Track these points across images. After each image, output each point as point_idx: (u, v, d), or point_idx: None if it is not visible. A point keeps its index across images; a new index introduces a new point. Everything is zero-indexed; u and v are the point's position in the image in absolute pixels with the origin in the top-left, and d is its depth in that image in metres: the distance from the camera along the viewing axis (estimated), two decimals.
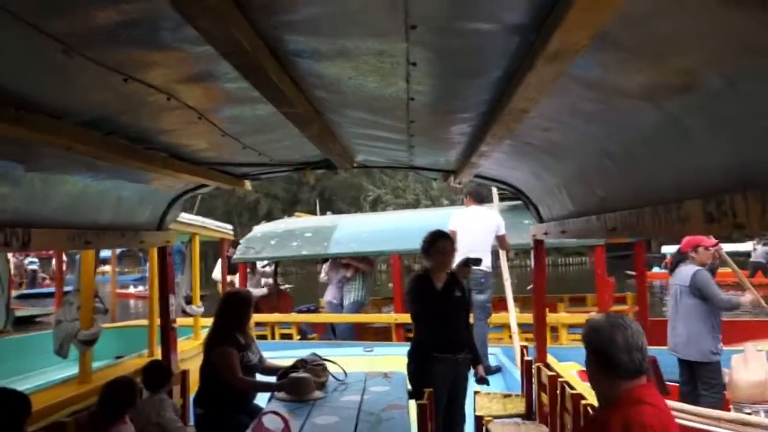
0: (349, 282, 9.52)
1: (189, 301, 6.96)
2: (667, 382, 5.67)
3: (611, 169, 2.55)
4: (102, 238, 3.72)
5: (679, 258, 5.61)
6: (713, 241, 5.55)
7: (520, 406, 4.71)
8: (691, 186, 1.94)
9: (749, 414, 4.77)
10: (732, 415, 4.30)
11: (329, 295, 9.68)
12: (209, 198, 42.57)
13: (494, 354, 6.94)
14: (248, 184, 4.80)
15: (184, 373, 4.55)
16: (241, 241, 10.41)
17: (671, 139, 1.94)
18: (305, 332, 9.99)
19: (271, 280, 11.24)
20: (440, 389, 3.88)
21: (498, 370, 6.60)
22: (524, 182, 4.11)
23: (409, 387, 4.08)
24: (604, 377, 2.21)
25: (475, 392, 4.78)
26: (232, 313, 4.20)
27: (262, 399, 4.28)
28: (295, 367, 4.20)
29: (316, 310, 10.68)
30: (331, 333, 9.60)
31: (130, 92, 2.15)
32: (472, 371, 4.32)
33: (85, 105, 2.30)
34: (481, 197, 6.94)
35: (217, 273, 10.90)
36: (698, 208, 1.85)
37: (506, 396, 4.93)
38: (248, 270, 10.52)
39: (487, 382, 4.35)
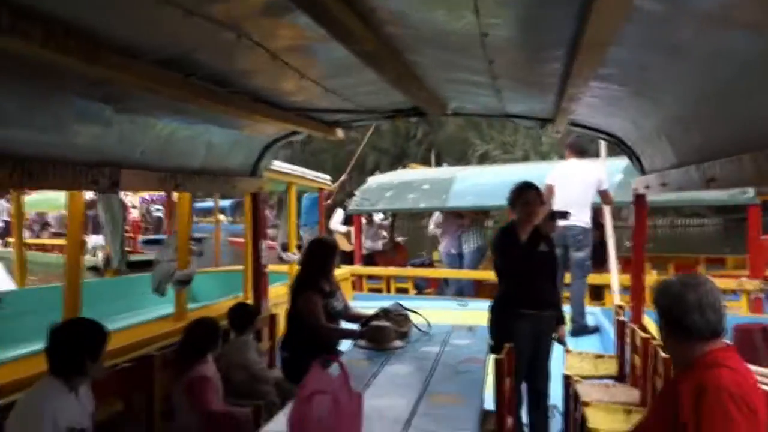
0: (467, 231, 9.15)
1: (285, 248, 7.14)
2: None
3: (710, 111, 2.29)
4: (192, 181, 3.83)
5: None
6: None
7: (612, 368, 4.50)
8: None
9: None
10: None
11: (446, 246, 9.33)
12: (319, 152, 43.69)
13: (593, 314, 6.66)
14: (340, 132, 4.79)
15: (273, 317, 4.67)
16: (356, 192, 10.35)
17: None
18: (420, 286, 9.83)
19: (386, 233, 11.13)
20: (522, 346, 3.74)
21: (596, 330, 6.34)
22: (623, 131, 3.82)
23: (491, 342, 3.97)
24: (676, 340, 2.03)
25: (567, 351, 4.60)
26: (316, 261, 4.24)
27: (346, 346, 4.32)
28: (377, 316, 4.20)
29: (430, 264, 10.46)
30: (445, 287, 9.39)
31: (196, 28, 2.14)
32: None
33: (154, 42, 2.31)
34: (581, 150, 6.55)
35: (335, 223, 10.93)
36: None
37: (598, 357, 4.72)
38: (365, 221, 10.41)
39: (565, 345, 4.18)
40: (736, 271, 8.76)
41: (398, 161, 42.56)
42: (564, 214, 4.30)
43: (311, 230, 11.43)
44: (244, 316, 4.08)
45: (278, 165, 6.87)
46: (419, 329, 4.28)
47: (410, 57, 2.75)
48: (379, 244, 10.59)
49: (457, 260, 9.16)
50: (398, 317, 4.21)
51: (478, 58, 2.59)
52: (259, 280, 4.76)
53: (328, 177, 9.01)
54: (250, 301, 4.97)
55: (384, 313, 4.23)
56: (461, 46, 2.45)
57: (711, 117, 2.31)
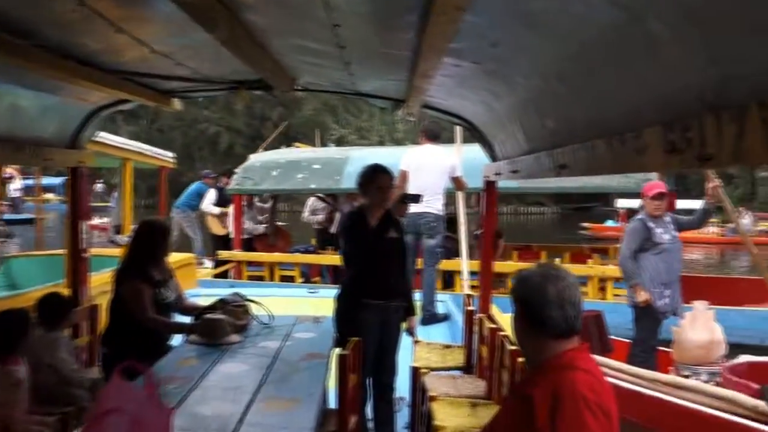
0: None
1: (118, 230, 6.51)
2: (618, 338, 5.46)
3: (562, 94, 2.15)
4: None
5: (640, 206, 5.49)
6: (657, 189, 5.30)
7: (459, 358, 4.42)
8: (652, 111, 1.55)
9: (688, 376, 4.56)
10: (667, 377, 4.05)
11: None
12: (167, 130, 41.50)
13: (443, 301, 6.65)
14: (177, 103, 4.32)
15: (94, 308, 4.14)
16: (237, 171, 9.50)
17: (631, 51, 1.54)
18: (307, 275, 9.22)
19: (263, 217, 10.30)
20: (368, 337, 3.54)
21: (445, 318, 6.32)
22: (476, 115, 3.70)
23: (336, 334, 3.73)
24: (532, 335, 1.88)
25: (415, 341, 4.47)
26: (145, 245, 3.78)
27: (178, 341, 3.91)
28: (213, 308, 3.82)
29: (314, 252, 9.65)
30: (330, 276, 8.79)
31: None
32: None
33: None
34: (434, 135, 6.48)
35: (207, 204, 10.15)
36: (658, 136, 1.47)
37: (447, 347, 4.64)
38: (244, 203, 9.59)
39: (414, 336, 4.05)
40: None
41: (252, 142, 41.54)
42: (416, 198, 4.14)
43: (183, 213, 10.69)
44: (55, 309, 3.54)
45: (111, 138, 6.23)
46: (259, 321, 3.96)
47: (246, 15, 2.40)
48: (259, 228, 9.80)
49: None
50: (236, 308, 3.86)
51: (321, 22, 2.29)
52: (78, 266, 4.19)
53: (170, 154, 8.35)
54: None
55: (221, 304, 3.86)
56: (301, 5, 2.15)
57: (564, 99, 2.18)
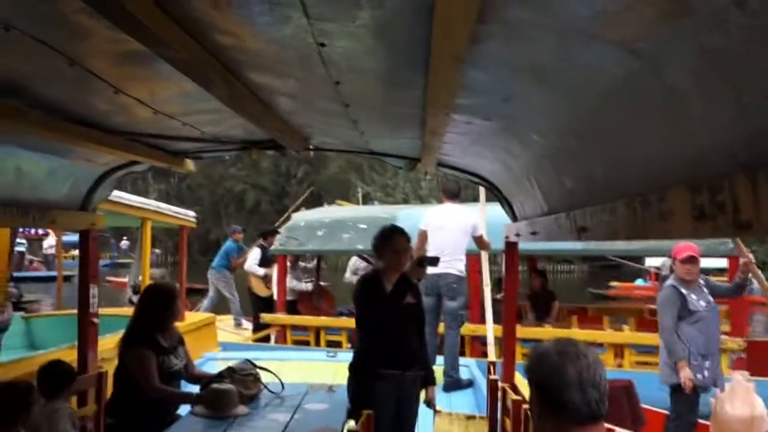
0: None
1: (137, 290, 6.41)
2: (652, 408, 5.11)
3: (579, 151, 1.99)
4: None
5: (670, 268, 5.13)
6: (689, 251, 4.98)
7: (483, 431, 4.15)
8: (676, 172, 1.38)
9: None
10: None
11: None
12: (195, 188, 42.12)
13: (467, 366, 6.36)
14: (190, 164, 4.26)
15: (101, 376, 3.98)
16: (281, 231, 9.34)
17: (650, 104, 1.39)
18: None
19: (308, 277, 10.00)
20: (383, 410, 3.32)
21: (470, 384, 6.02)
22: (493, 173, 3.55)
23: (349, 406, 3.52)
24: (551, 421, 1.66)
25: (436, 412, 4.22)
26: (151, 310, 3.65)
27: (186, 411, 3.72)
28: (222, 377, 3.65)
29: None
30: None
31: None
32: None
33: None
34: (453, 193, 6.32)
35: (251, 263, 9.79)
36: (684, 200, 1.29)
37: (470, 417, 4.39)
38: (289, 264, 9.27)
39: (434, 408, 3.81)
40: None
41: (278, 200, 41.89)
42: (434, 260, 3.96)
43: (219, 273, 10.55)
44: (55, 379, 3.39)
45: (129, 198, 6.20)
46: (270, 390, 3.76)
47: (244, 73, 2.31)
48: (303, 286, 9.49)
49: None
50: (246, 377, 3.68)
51: (322, 79, 2.19)
52: (87, 331, 4.06)
53: (191, 213, 8.30)
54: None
55: (229, 373, 3.69)
56: (298, 60, 2.04)
57: (581, 157, 2.02)
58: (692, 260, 4.91)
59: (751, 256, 5.05)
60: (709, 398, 4.80)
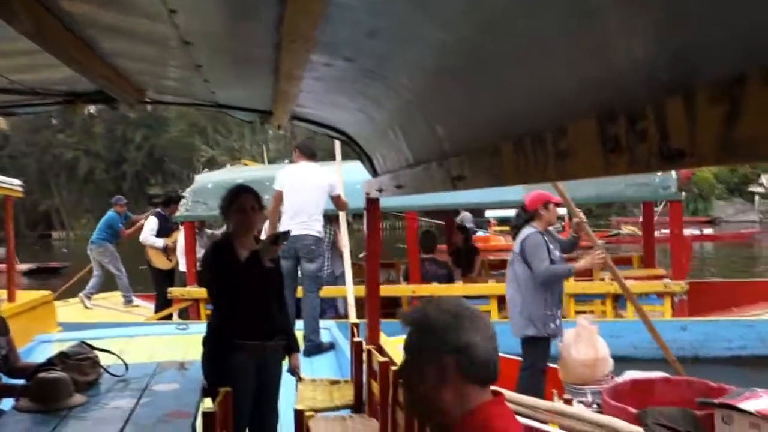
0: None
1: None
2: (505, 355, 5.24)
3: (456, 91, 1.80)
4: None
5: (525, 218, 5.06)
6: (556, 198, 5.12)
7: (348, 395, 4.01)
8: (579, 103, 1.21)
9: (570, 400, 4.40)
10: (547, 404, 3.86)
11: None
12: (19, 156, 38.44)
13: (327, 329, 6.20)
14: (1, 121, 3.65)
15: None
16: (184, 194, 8.49)
17: (550, 19, 1.21)
18: None
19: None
20: (243, 384, 3.05)
21: (331, 347, 5.87)
22: (353, 126, 3.32)
23: (205, 383, 3.20)
24: (439, 386, 1.47)
25: (299, 379, 4.00)
26: None
27: (9, 406, 3.22)
28: (51, 364, 3.18)
29: None
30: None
31: None
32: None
33: None
34: (310, 151, 6.08)
35: (147, 234, 8.83)
36: (590, 133, 1.13)
37: (334, 383, 4.21)
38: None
39: (298, 376, 3.60)
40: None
41: (115, 167, 39.24)
42: (285, 235, 3.65)
43: (100, 248, 9.47)
44: None
45: None
46: (111, 374, 3.35)
47: (58, 3, 1.88)
48: None
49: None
50: (82, 362, 3.24)
51: (155, 10, 1.82)
52: None
53: (17, 181, 7.36)
54: None
55: (61, 359, 3.22)
56: None
57: (458, 98, 1.83)
58: (557, 206, 5.04)
59: (582, 215, 5.28)
60: (557, 343, 5.01)
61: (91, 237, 9.81)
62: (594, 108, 1.12)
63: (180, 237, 8.44)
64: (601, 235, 17.32)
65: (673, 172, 7.64)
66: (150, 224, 9.00)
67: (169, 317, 8.06)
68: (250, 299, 3.20)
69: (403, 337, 1.55)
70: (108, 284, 9.91)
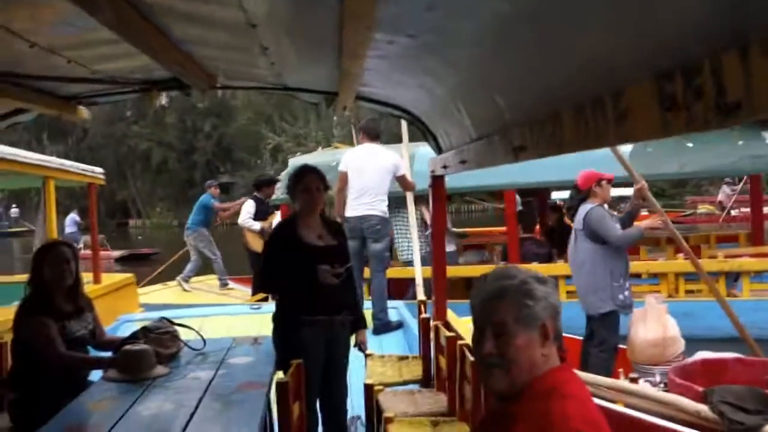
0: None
1: None
2: (569, 335, 5.19)
3: (514, 60, 1.82)
4: None
5: (580, 197, 5.07)
6: (611, 174, 5.08)
7: (417, 371, 4.07)
8: (636, 63, 1.22)
9: (636, 378, 4.31)
10: (609, 380, 3.79)
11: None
12: (96, 148, 40.04)
13: (396, 308, 6.29)
14: (84, 111, 3.86)
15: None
16: (280, 178, 8.65)
17: None
18: None
19: None
20: (312, 358, 3.16)
21: (399, 326, 5.95)
22: (417, 104, 3.36)
23: (277, 357, 3.33)
24: (547, 347, 1.52)
25: (368, 355, 4.11)
26: (43, 273, 3.30)
27: (98, 377, 3.43)
28: (135, 338, 3.37)
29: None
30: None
31: None
32: None
33: None
34: (374, 132, 6.12)
35: (245, 217, 8.65)
36: (648, 93, 1.14)
37: (402, 359, 4.28)
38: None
39: (365, 351, 3.69)
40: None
41: (186, 156, 40.27)
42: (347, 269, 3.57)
43: (195, 233, 9.65)
44: None
45: (28, 156, 5.68)
46: (190, 347, 3.52)
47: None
48: None
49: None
50: (161, 336, 3.41)
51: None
52: None
53: (99, 169, 7.74)
54: None
55: (144, 333, 3.41)
56: None
57: (517, 67, 1.85)
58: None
59: (643, 181, 5.09)
60: (628, 320, 4.94)
61: (187, 223, 9.97)
62: (650, 68, 1.13)
63: (276, 220, 8.46)
64: (674, 215, 16.75)
65: None
66: (247, 207, 8.90)
67: (265, 299, 8.26)
68: (315, 275, 3.29)
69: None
70: (204, 269, 10.05)
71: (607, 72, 1.33)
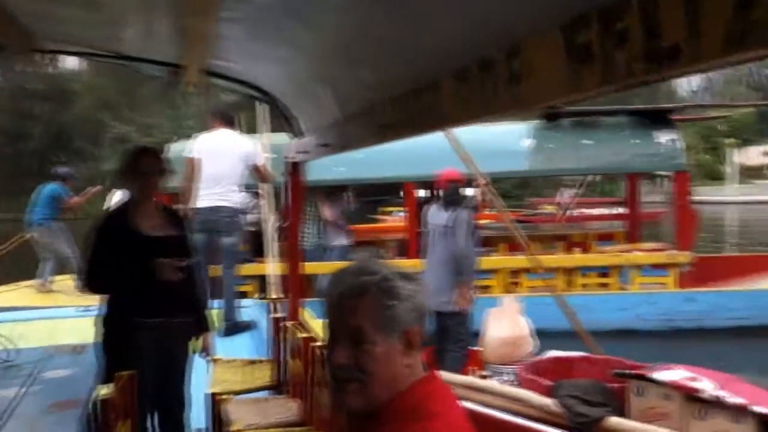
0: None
1: None
2: None
3: (384, 26, 1.57)
4: None
5: (449, 194, 5.18)
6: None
7: (267, 376, 3.75)
8: (539, 14, 1.01)
9: (485, 376, 4.34)
10: (460, 377, 3.76)
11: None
12: None
13: (247, 307, 5.91)
14: None
15: None
16: None
17: None
18: None
19: None
20: (145, 366, 2.74)
21: (249, 326, 5.57)
22: (275, 80, 3.04)
23: (102, 367, 2.87)
24: (412, 356, 1.27)
25: (214, 360, 3.73)
26: None
27: None
28: None
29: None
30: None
31: None
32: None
33: None
34: (228, 117, 5.72)
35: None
36: (555, 43, 0.93)
37: (252, 363, 3.95)
38: None
39: (209, 356, 3.34)
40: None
41: (15, 142, 36.65)
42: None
43: (43, 228, 8.36)
44: None
45: None
46: None
47: None
48: None
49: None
50: None
51: None
52: None
53: None
54: None
55: None
56: None
57: (390, 35, 1.60)
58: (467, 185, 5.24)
59: (486, 178, 5.35)
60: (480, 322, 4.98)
61: (29, 217, 8.66)
62: (556, 17, 0.92)
63: None
64: (518, 214, 17.59)
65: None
66: (117, 197, 7.92)
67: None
68: (152, 272, 2.87)
69: None
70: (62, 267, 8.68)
71: (501, 28, 1.11)
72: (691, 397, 2.90)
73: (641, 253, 8.07)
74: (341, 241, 7.65)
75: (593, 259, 8.14)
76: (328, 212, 7.49)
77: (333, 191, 7.65)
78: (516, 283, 7.86)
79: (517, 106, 1.07)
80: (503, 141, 7.86)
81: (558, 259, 8.25)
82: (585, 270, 7.97)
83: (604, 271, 8.00)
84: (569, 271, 7.96)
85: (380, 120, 1.79)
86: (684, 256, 7.60)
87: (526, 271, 7.75)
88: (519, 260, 7.57)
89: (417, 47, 1.51)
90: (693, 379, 2.97)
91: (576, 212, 20.28)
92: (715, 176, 38.75)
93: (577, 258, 8.13)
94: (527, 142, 8.08)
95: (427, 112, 1.47)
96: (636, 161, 8.09)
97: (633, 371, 3.34)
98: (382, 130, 1.77)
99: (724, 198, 37.29)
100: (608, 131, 8.08)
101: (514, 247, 9.07)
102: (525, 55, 1.01)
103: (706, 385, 2.90)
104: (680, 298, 7.45)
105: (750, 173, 43.48)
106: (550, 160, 8.16)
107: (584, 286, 7.93)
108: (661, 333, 7.30)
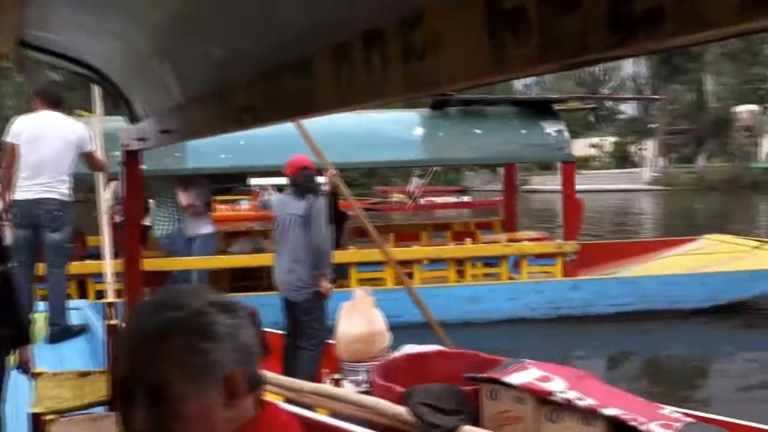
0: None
1: None
2: (270, 330, 4.94)
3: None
4: None
5: (302, 181, 5.02)
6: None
7: (103, 389, 3.34)
8: None
9: (338, 381, 4.24)
10: (312, 385, 3.62)
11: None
12: None
13: (80, 309, 5.34)
14: None
15: None
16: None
17: None
18: None
19: None
20: None
21: (82, 331, 5.03)
22: (109, 58, 2.64)
23: None
24: (235, 402, 1.03)
25: (36, 375, 3.26)
26: None
27: None
28: None
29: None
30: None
31: None
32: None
33: None
34: (55, 98, 5.12)
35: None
36: (470, 6, 0.75)
37: (83, 375, 3.52)
38: None
39: (28, 372, 2.93)
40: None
41: None
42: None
43: None
44: None
45: None
46: None
47: None
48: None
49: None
50: None
51: None
52: None
53: None
54: None
55: None
56: None
57: (249, 6, 1.35)
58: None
59: (335, 170, 5.44)
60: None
61: None
62: None
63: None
64: (364, 203, 17.88)
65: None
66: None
67: None
68: None
69: None
70: None
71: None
72: (543, 399, 2.91)
73: (529, 243, 8.38)
74: (204, 229, 7.32)
75: (481, 249, 8.33)
76: (183, 198, 7.13)
77: (189, 178, 7.35)
78: (410, 274, 7.88)
79: (414, 89, 0.87)
80: (395, 129, 7.87)
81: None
82: (474, 260, 8.15)
83: (489, 262, 8.19)
84: (459, 262, 8.12)
85: (235, 103, 1.54)
86: (571, 246, 7.99)
87: (418, 262, 7.85)
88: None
89: (283, 16, 1.28)
90: (545, 379, 2.99)
91: (423, 200, 20.84)
92: (546, 167, 41.77)
93: (469, 248, 8.30)
94: (418, 131, 8.11)
95: (295, 96, 1.24)
96: (526, 151, 8.30)
97: (485, 375, 3.29)
98: (237, 115, 1.52)
99: (555, 187, 40.10)
100: (497, 121, 8.25)
101: (400, 237, 9.19)
102: (428, 24, 0.82)
103: (558, 385, 2.93)
104: (566, 286, 7.78)
105: (578, 164, 47.24)
106: (441, 149, 8.23)
107: (473, 276, 8.10)
108: (549, 321, 7.60)
